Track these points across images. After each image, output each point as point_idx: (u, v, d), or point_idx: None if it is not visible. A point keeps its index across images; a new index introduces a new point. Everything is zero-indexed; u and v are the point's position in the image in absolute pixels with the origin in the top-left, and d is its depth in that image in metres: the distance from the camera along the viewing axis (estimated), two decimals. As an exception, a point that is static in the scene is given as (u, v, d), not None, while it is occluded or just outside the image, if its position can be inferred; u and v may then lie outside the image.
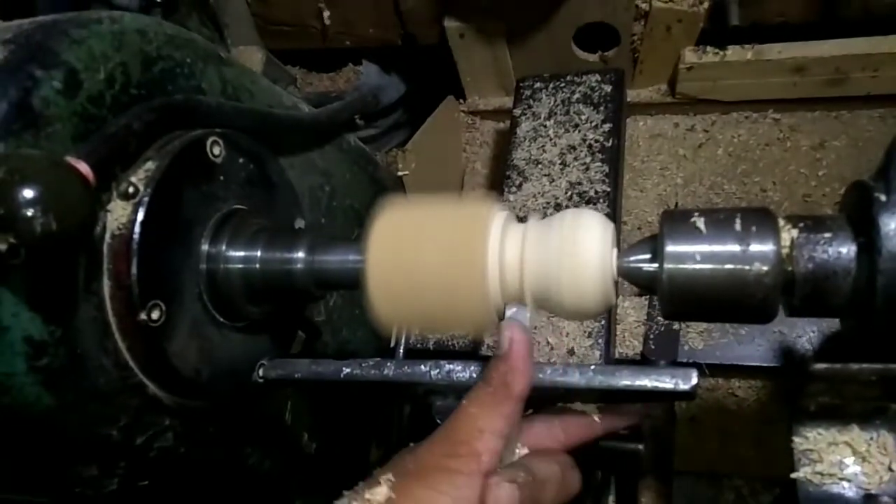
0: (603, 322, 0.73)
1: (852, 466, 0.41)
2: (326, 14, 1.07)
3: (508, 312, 0.44)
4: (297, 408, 0.66)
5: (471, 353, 0.80)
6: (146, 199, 0.45)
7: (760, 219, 0.40)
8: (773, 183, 0.97)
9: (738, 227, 0.40)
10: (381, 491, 0.42)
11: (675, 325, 0.79)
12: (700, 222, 0.41)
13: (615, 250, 0.44)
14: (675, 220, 0.41)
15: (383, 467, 0.45)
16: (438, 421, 0.49)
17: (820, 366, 0.40)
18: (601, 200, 0.80)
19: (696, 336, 0.79)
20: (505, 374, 0.43)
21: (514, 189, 0.85)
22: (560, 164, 0.85)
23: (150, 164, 0.47)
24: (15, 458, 0.46)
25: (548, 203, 0.82)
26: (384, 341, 0.77)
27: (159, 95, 0.49)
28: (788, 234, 0.40)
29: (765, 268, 0.39)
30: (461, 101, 1.13)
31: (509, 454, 0.46)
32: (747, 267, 0.39)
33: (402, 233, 0.46)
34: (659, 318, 0.80)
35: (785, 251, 0.39)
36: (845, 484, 0.41)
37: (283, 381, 0.54)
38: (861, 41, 0.88)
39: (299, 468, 0.69)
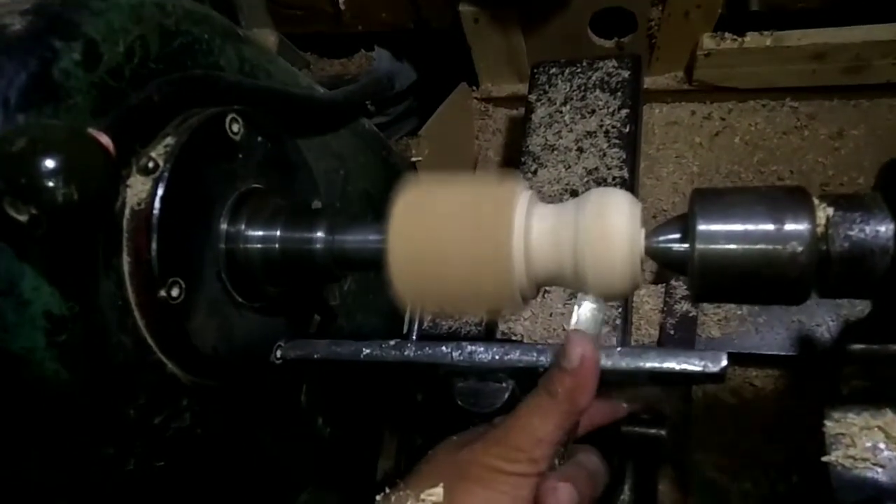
0: (620, 309, 0.72)
1: (886, 451, 0.40)
2: (339, -2, 1.06)
3: (581, 309, 0.43)
4: (313, 392, 0.66)
5: (484, 338, 0.79)
6: (166, 174, 0.44)
7: (795, 197, 0.39)
8: (791, 172, 0.96)
9: (771, 205, 0.39)
10: (437, 491, 0.42)
11: (692, 313, 0.79)
12: (732, 201, 0.40)
13: (643, 230, 0.43)
14: (707, 199, 0.41)
15: (428, 465, 0.45)
16: (459, 403, 0.49)
17: (857, 346, 0.39)
18: (618, 187, 0.79)
19: (713, 324, 0.78)
20: (572, 390, 0.42)
21: (529, 175, 0.84)
22: (576, 150, 0.84)
23: (169, 140, 0.46)
24: (33, 436, 0.45)
25: (564, 189, 0.82)
26: (398, 326, 0.76)
27: (177, 70, 0.48)
28: (824, 213, 0.39)
29: (800, 247, 0.38)
30: (474, 87, 1.12)
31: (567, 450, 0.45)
32: (781, 246, 0.38)
33: (425, 211, 0.46)
34: (676, 306, 0.79)
35: (820, 230, 0.38)
36: (879, 469, 0.40)
37: (302, 362, 0.54)
38: (883, 28, 0.87)
39: (313, 452, 0.69)
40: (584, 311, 0.43)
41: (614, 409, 0.51)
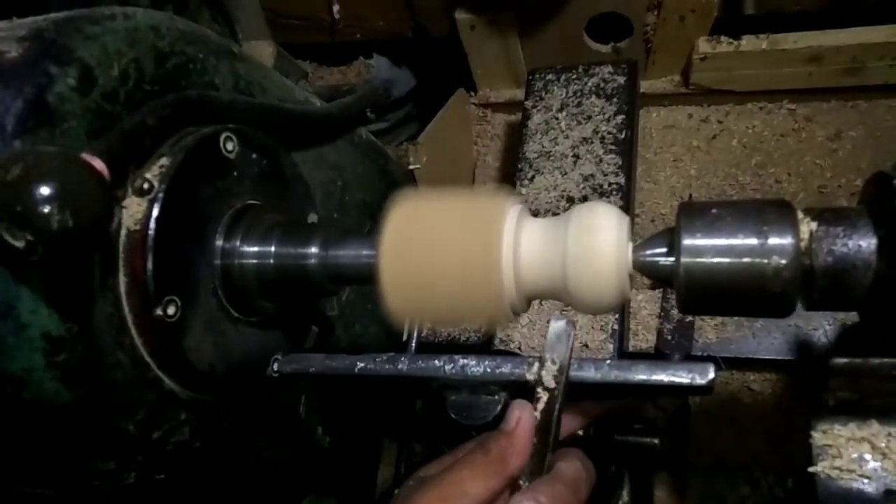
0: (616, 316, 0.72)
1: (872, 462, 0.40)
2: (336, 7, 1.07)
3: (555, 322, 0.44)
4: (312, 402, 0.66)
5: (482, 347, 0.80)
6: (161, 195, 0.45)
7: (779, 211, 0.40)
8: (788, 174, 0.96)
9: (755, 219, 0.39)
10: None
11: (689, 318, 0.79)
12: (717, 215, 0.40)
13: (630, 244, 0.43)
14: (692, 213, 0.41)
15: (399, 495, 0.47)
16: (452, 415, 0.49)
17: (840, 360, 0.40)
18: (614, 193, 0.80)
19: (710, 329, 0.78)
20: (505, 449, 0.44)
21: (526, 182, 0.84)
22: (573, 156, 0.84)
23: (164, 161, 0.47)
24: (33, 451, 0.46)
25: (560, 196, 0.82)
26: (396, 336, 0.77)
27: (172, 91, 0.49)
28: (807, 227, 0.39)
29: (783, 261, 0.38)
30: (472, 93, 1.13)
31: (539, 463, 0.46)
32: (765, 260, 0.38)
33: (416, 226, 0.46)
34: (673, 311, 0.79)
35: (804, 244, 0.39)
36: (865, 480, 0.40)
37: (298, 376, 0.54)
38: (879, 29, 0.87)
39: (313, 462, 0.70)
40: (553, 331, 0.45)
41: (584, 411, 0.51)
